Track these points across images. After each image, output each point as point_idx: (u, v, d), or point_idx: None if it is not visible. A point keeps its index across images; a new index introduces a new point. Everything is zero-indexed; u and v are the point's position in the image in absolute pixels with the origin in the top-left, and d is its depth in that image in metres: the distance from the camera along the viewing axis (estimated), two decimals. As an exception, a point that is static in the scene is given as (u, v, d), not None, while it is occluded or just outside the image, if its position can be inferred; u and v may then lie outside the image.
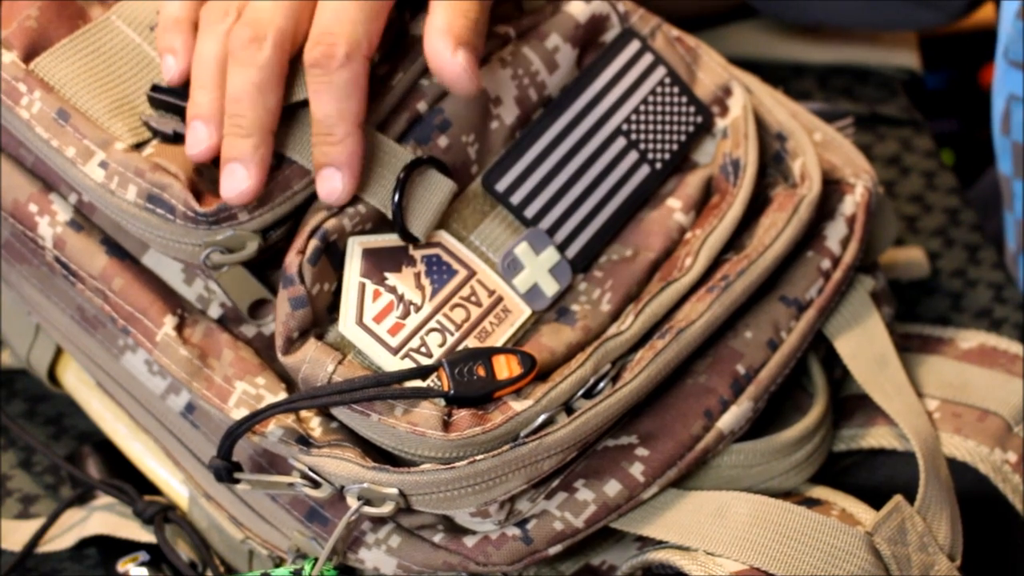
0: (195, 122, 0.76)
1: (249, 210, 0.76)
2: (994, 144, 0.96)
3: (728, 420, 0.80)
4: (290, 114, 0.77)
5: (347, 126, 0.75)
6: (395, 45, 0.80)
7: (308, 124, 0.77)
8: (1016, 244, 0.98)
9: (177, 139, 0.77)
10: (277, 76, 0.76)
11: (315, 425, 0.77)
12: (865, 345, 0.85)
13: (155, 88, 0.78)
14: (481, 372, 0.75)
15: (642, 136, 0.84)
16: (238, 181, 0.75)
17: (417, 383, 0.75)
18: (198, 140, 0.76)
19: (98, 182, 0.77)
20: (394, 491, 0.74)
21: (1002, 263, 1.00)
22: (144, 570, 0.84)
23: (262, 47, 0.75)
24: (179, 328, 0.79)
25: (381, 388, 0.74)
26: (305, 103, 0.77)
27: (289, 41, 0.76)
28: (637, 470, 0.78)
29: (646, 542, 0.80)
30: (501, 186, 0.81)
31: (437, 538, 0.77)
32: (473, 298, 0.79)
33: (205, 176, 0.77)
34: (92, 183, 0.77)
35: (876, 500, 0.80)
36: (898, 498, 0.78)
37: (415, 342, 0.77)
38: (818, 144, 0.88)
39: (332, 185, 0.76)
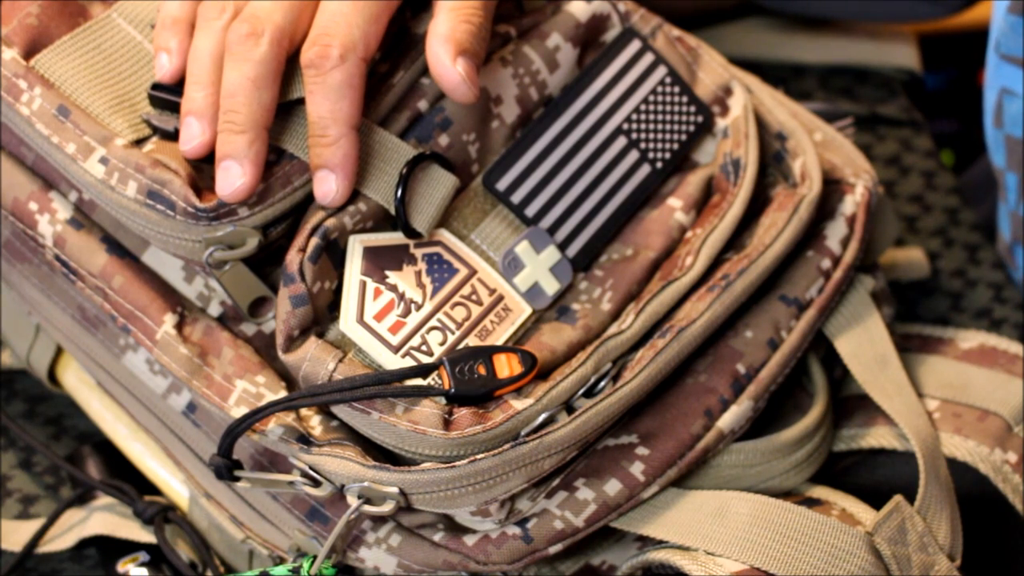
0: (188, 118, 0.76)
1: (249, 206, 0.76)
2: (986, 137, 0.96)
3: (728, 419, 0.80)
4: (289, 110, 0.77)
5: (341, 128, 0.75)
6: (396, 43, 0.80)
7: (307, 120, 0.77)
8: (1011, 235, 0.98)
9: (178, 136, 0.77)
10: (273, 72, 0.76)
11: (315, 424, 0.77)
12: (865, 345, 0.85)
13: (156, 86, 0.78)
14: (482, 370, 0.75)
15: (643, 135, 0.84)
16: (233, 178, 0.75)
17: (418, 381, 0.75)
18: (191, 136, 0.76)
19: (98, 178, 0.77)
20: (394, 490, 0.74)
21: (1002, 263, 1.00)
22: (144, 570, 0.84)
23: (259, 43, 0.75)
24: (179, 326, 0.79)
25: (382, 386, 0.74)
26: (304, 100, 0.77)
27: (287, 38, 0.76)
28: (637, 469, 0.78)
29: (646, 542, 0.80)
30: (502, 185, 0.81)
31: (437, 537, 0.77)
32: (474, 296, 0.79)
33: (205, 172, 0.77)
34: (92, 179, 0.77)
35: (876, 500, 0.80)
36: (898, 498, 0.78)
37: (416, 340, 0.77)
38: (818, 144, 0.88)
39: (327, 187, 0.76)
